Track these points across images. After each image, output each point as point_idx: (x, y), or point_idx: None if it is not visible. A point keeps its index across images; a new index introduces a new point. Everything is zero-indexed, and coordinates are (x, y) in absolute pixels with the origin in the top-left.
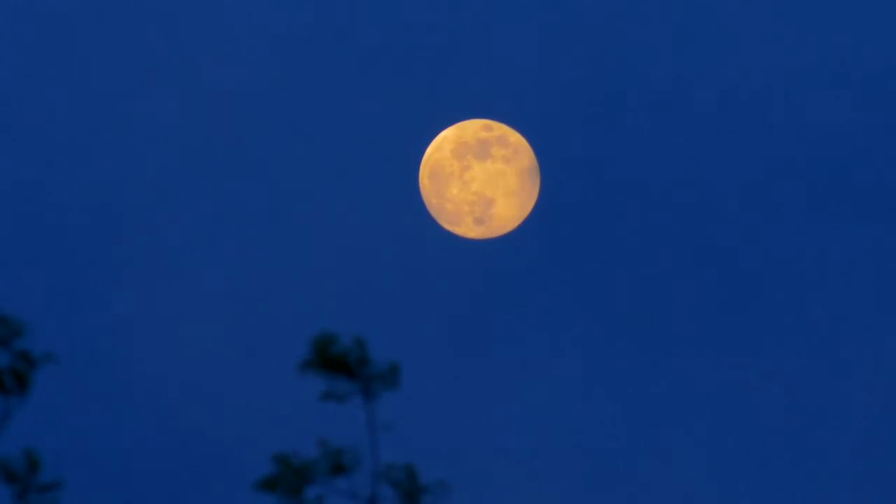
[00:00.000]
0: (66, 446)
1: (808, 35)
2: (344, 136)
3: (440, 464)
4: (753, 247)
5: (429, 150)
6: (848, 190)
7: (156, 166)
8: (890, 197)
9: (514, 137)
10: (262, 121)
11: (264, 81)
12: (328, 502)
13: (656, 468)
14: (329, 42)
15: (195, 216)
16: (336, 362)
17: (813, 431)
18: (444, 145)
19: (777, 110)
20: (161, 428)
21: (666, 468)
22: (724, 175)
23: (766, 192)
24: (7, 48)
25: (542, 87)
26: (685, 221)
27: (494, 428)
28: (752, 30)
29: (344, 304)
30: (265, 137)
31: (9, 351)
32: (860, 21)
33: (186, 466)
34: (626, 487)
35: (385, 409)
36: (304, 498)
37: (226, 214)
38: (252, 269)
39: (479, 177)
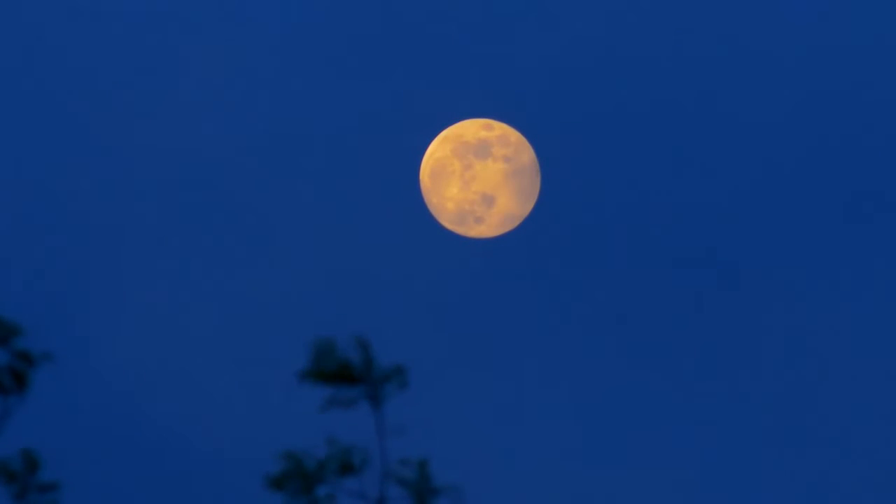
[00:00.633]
0: (66, 446)
1: (808, 35)
2: (345, 136)
3: (447, 466)
4: (753, 247)
5: (430, 149)
6: (844, 191)
7: (156, 165)
8: (882, 198)
9: (515, 136)
10: (262, 120)
11: (265, 80)
12: (338, 502)
13: (658, 467)
14: (330, 41)
15: (196, 216)
16: (336, 374)
17: (808, 438)
18: (445, 144)
19: (777, 110)
20: (162, 428)
21: (668, 467)
22: (724, 175)
23: (766, 191)
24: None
25: (543, 87)
26: (685, 221)
27: (494, 427)
28: (752, 29)
29: (344, 304)
30: (265, 137)
31: (7, 350)
32: (860, 21)
33: (188, 468)
34: (629, 486)
35: (389, 410)
36: (315, 497)
37: (227, 214)
38: (252, 268)
39: (479, 176)
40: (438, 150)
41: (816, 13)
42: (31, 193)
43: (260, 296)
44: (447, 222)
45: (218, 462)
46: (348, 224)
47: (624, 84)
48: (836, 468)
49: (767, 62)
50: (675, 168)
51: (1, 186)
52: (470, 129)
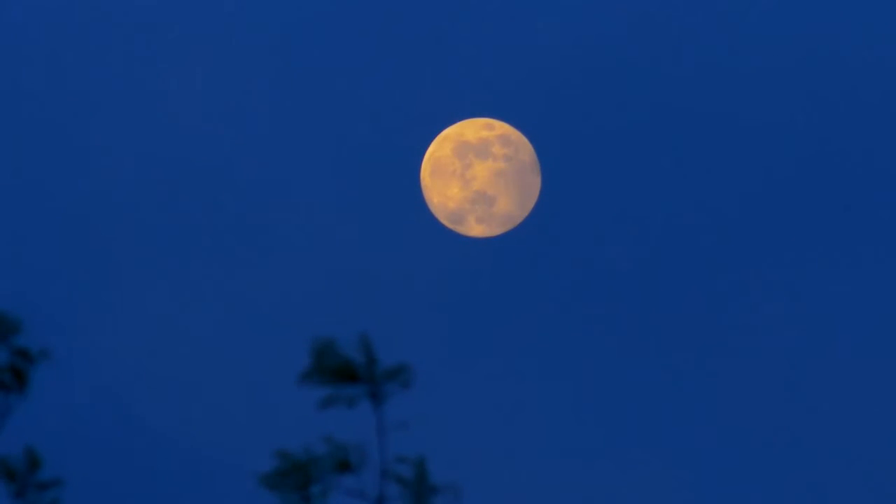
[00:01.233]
0: (65, 444)
1: (808, 36)
2: (345, 135)
3: (445, 464)
4: (753, 247)
5: (430, 148)
6: (843, 192)
7: (157, 165)
8: (882, 198)
9: (516, 136)
10: (262, 120)
11: (265, 80)
12: (335, 501)
13: (658, 466)
14: (331, 41)
15: (198, 217)
16: (338, 371)
17: (808, 439)
18: (446, 144)
19: (777, 110)
20: (163, 428)
21: (668, 465)
22: (724, 175)
23: (766, 191)
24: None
25: (544, 87)
26: (685, 220)
27: (493, 425)
28: (752, 29)
29: (344, 303)
30: (265, 137)
31: (7, 348)
32: (858, 22)
33: (187, 467)
34: (629, 484)
35: (389, 408)
36: (310, 494)
37: (228, 215)
38: (254, 268)
39: (480, 175)
40: (439, 150)
41: (817, 16)
42: (32, 194)
43: (261, 295)
44: (448, 221)
45: (218, 461)
46: (349, 223)
47: (624, 85)
48: (836, 468)
49: (767, 62)
50: (674, 168)
51: (1, 186)
52: (471, 129)
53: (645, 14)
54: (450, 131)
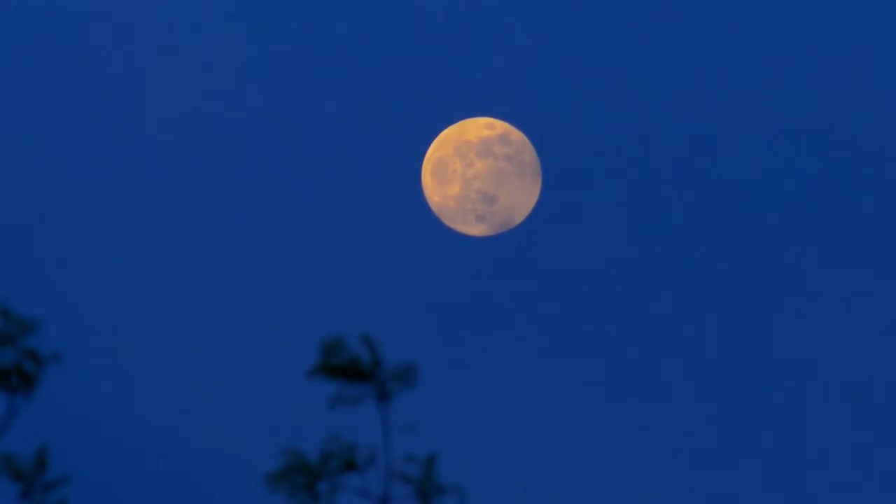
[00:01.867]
0: (73, 444)
1: (807, 35)
2: (346, 135)
3: (450, 464)
4: (753, 247)
5: (431, 148)
6: (841, 193)
7: (163, 166)
8: (880, 197)
9: (516, 135)
10: (263, 120)
11: (266, 80)
12: (341, 500)
13: (661, 466)
14: (332, 41)
15: (200, 217)
16: (345, 369)
17: (808, 439)
18: (447, 143)
19: (777, 110)
20: (169, 428)
21: (670, 465)
22: (725, 174)
23: (765, 192)
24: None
25: (545, 86)
26: (684, 221)
27: (493, 424)
28: (751, 30)
29: (344, 302)
30: (266, 137)
31: (16, 349)
32: (858, 25)
33: (194, 467)
34: (631, 485)
35: (393, 408)
36: (316, 493)
37: (230, 215)
38: (255, 268)
39: (481, 175)
40: (440, 150)
41: (817, 17)
42: (34, 195)
43: (262, 296)
44: (449, 221)
45: (225, 461)
46: (349, 223)
47: (624, 85)
48: (838, 468)
49: (767, 62)
50: (674, 168)
51: (9, 188)
52: (471, 128)
53: (646, 15)
54: (451, 131)
